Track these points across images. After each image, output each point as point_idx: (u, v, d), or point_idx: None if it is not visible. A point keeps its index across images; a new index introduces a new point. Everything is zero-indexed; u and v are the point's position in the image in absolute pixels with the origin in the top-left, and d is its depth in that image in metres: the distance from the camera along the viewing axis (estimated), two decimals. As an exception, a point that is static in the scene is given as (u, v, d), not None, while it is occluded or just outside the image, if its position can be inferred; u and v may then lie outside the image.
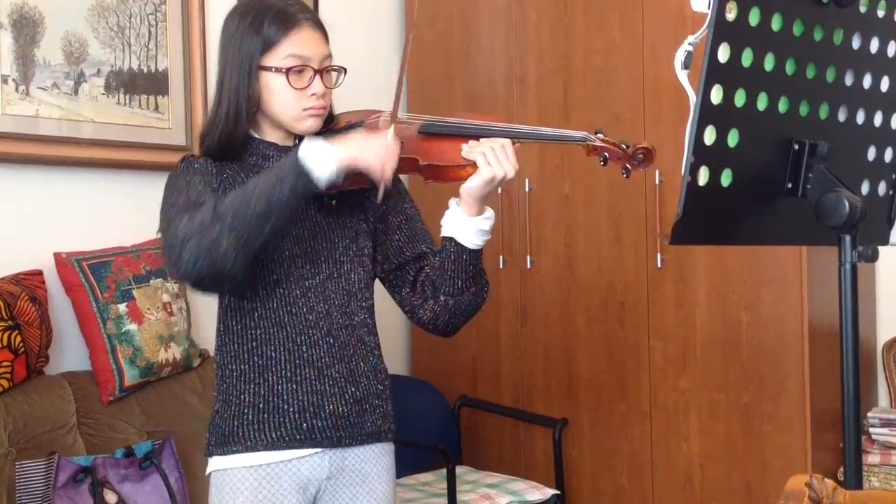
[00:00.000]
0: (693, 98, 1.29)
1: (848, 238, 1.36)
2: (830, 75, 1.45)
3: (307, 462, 1.79)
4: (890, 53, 1.54)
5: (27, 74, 2.79)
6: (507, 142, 1.74)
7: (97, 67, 2.95)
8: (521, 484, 3.25)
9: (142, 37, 3.06)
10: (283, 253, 1.78)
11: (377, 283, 1.92)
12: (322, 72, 1.78)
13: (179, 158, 1.83)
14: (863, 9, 1.46)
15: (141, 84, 3.06)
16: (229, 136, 1.78)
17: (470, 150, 1.74)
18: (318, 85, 1.78)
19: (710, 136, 1.31)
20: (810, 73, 1.42)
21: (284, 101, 1.77)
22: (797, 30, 1.38)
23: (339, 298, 1.81)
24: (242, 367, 1.78)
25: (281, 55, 1.75)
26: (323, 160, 1.63)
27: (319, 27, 1.82)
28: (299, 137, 1.79)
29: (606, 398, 3.30)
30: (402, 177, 1.98)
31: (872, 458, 2.94)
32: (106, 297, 2.72)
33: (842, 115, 1.49)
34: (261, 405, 1.76)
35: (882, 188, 1.59)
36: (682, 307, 3.11)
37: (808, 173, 1.40)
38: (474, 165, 1.73)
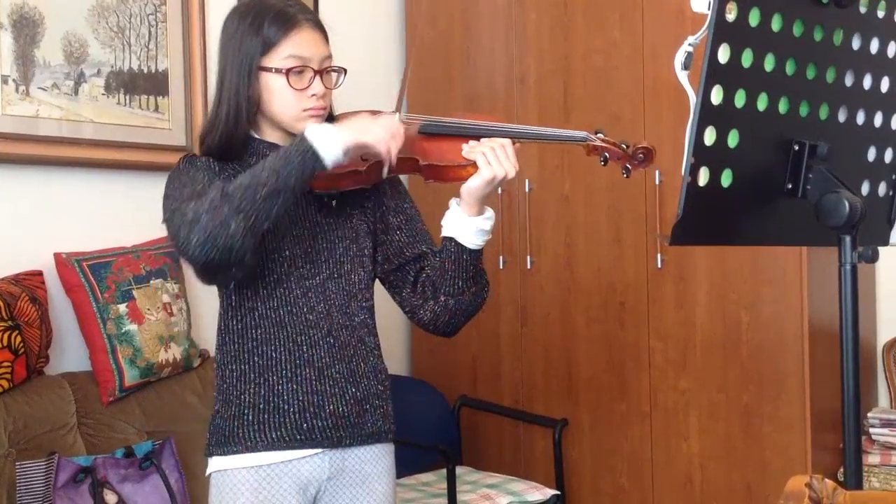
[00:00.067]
0: (693, 99, 1.29)
1: (848, 239, 1.36)
2: (830, 76, 1.45)
3: (307, 462, 1.79)
4: (890, 54, 1.54)
5: (27, 75, 2.79)
6: (507, 142, 1.74)
7: (97, 68, 2.95)
8: (521, 484, 3.25)
9: (142, 37, 3.06)
10: (284, 252, 1.78)
11: (377, 283, 1.92)
12: (322, 72, 1.79)
13: (180, 158, 1.83)
14: (863, 9, 1.46)
15: (141, 84, 3.06)
16: (229, 136, 1.78)
17: (470, 150, 1.75)
18: (318, 85, 1.78)
19: (710, 136, 1.31)
20: (810, 73, 1.42)
21: (284, 101, 1.77)
22: (797, 30, 1.38)
23: (340, 299, 1.81)
24: (243, 367, 1.78)
25: (281, 56, 1.76)
26: (329, 140, 1.64)
27: (319, 28, 1.82)
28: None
29: (606, 398, 3.30)
30: (403, 177, 1.98)
31: (872, 458, 2.94)
32: (106, 298, 2.72)
33: (842, 116, 1.49)
34: (261, 405, 1.76)
35: (882, 189, 1.59)
36: (682, 307, 3.11)
37: (808, 174, 1.41)
38: (475, 165, 1.73)
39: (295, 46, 1.76)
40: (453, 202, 1.79)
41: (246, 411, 1.77)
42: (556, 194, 3.42)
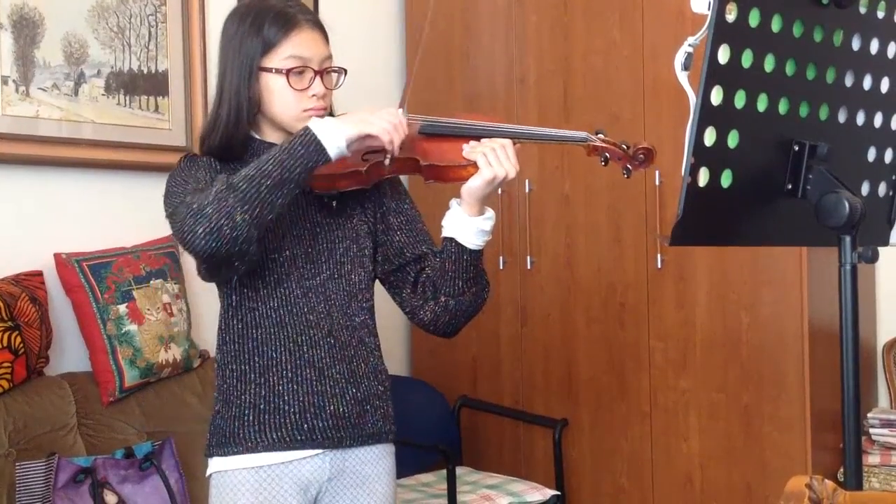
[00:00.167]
0: (693, 99, 1.29)
1: (848, 239, 1.36)
2: (830, 76, 1.45)
3: (308, 463, 1.79)
4: (890, 54, 1.54)
5: (27, 75, 2.79)
6: (507, 142, 1.74)
7: (97, 68, 2.95)
8: (521, 485, 3.25)
9: (142, 38, 3.06)
10: (284, 253, 1.78)
11: (377, 284, 1.92)
12: (322, 73, 1.79)
13: (181, 157, 1.83)
14: (863, 10, 1.46)
15: (141, 85, 3.06)
16: (230, 137, 1.79)
17: (471, 150, 1.75)
18: (318, 86, 1.78)
19: (710, 137, 1.31)
20: (810, 74, 1.42)
21: (285, 102, 1.77)
22: (797, 31, 1.38)
23: (340, 299, 1.81)
24: (243, 367, 1.78)
25: (281, 56, 1.76)
26: (333, 132, 1.64)
27: (319, 28, 1.82)
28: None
29: (606, 398, 3.30)
30: (403, 178, 1.98)
31: (872, 458, 2.94)
32: (106, 298, 2.72)
33: (842, 116, 1.49)
34: (262, 406, 1.76)
35: (882, 189, 1.59)
36: (682, 308, 3.11)
37: (808, 174, 1.41)
38: (475, 166, 1.73)
39: (295, 47, 1.76)
40: (453, 202, 1.79)
41: (246, 412, 1.77)
42: (556, 194, 3.42)
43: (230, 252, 1.59)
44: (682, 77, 1.32)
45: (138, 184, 3.00)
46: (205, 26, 3.19)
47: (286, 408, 1.76)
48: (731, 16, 1.28)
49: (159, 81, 3.11)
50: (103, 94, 2.96)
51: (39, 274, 2.69)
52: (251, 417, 1.76)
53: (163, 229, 2.76)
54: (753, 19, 1.31)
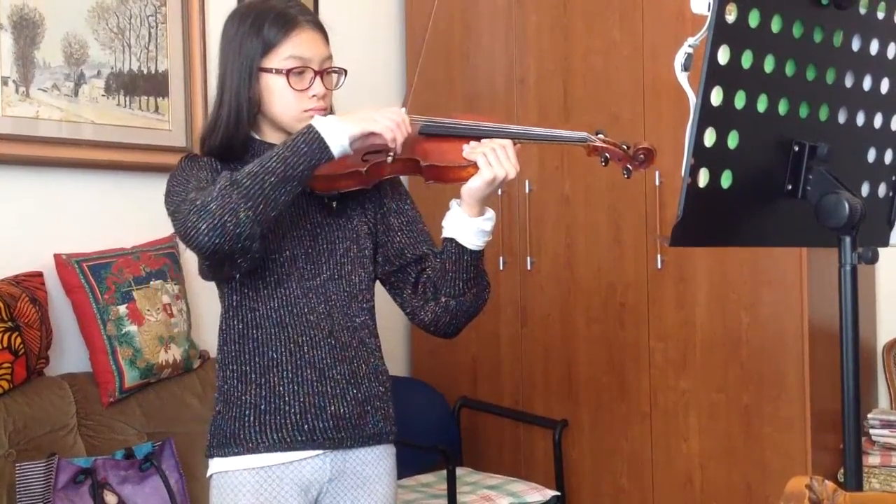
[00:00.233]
0: (693, 100, 1.29)
1: (848, 240, 1.36)
2: (830, 77, 1.45)
3: (309, 464, 1.79)
4: (890, 55, 1.54)
5: (27, 76, 2.79)
6: (507, 142, 1.74)
7: (97, 69, 2.95)
8: (521, 485, 3.25)
9: (142, 38, 3.06)
10: (284, 253, 1.78)
11: (377, 284, 1.92)
12: (322, 73, 1.79)
13: (181, 157, 1.83)
14: (863, 10, 1.46)
15: (141, 85, 3.06)
16: (230, 137, 1.79)
17: (471, 150, 1.75)
18: (318, 86, 1.78)
19: (710, 137, 1.31)
20: (810, 74, 1.42)
21: (285, 102, 1.77)
22: (797, 31, 1.38)
23: (341, 299, 1.81)
24: (244, 367, 1.78)
25: (281, 56, 1.76)
26: (336, 130, 1.65)
27: (320, 28, 1.82)
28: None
29: (606, 399, 3.30)
30: (403, 178, 1.98)
31: (873, 459, 2.94)
32: (106, 299, 2.72)
33: (842, 117, 1.49)
34: (262, 406, 1.76)
35: (882, 190, 1.59)
36: (682, 308, 3.11)
37: (808, 175, 1.41)
38: (475, 166, 1.73)
39: (295, 47, 1.76)
40: (454, 203, 1.79)
41: (247, 412, 1.77)
42: (556, 195, 3.42)
43: (233, 249, 1.59)
44: (682, 78, 1.32)
45: (138, 184, 3.00)
46: (205, 27, 3.19)
47: (287, 408, 1.76)
48: (730, 16, 1.28)
49: (159, 82, 3.11)
50: (103, 95, 2.96)
51: (39, 275, 2.69)
52: (252, 418, 1.76)
53: (163, 230, 2.79)
54: (753, 20, 1.31)
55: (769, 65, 1.35)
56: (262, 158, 1.64)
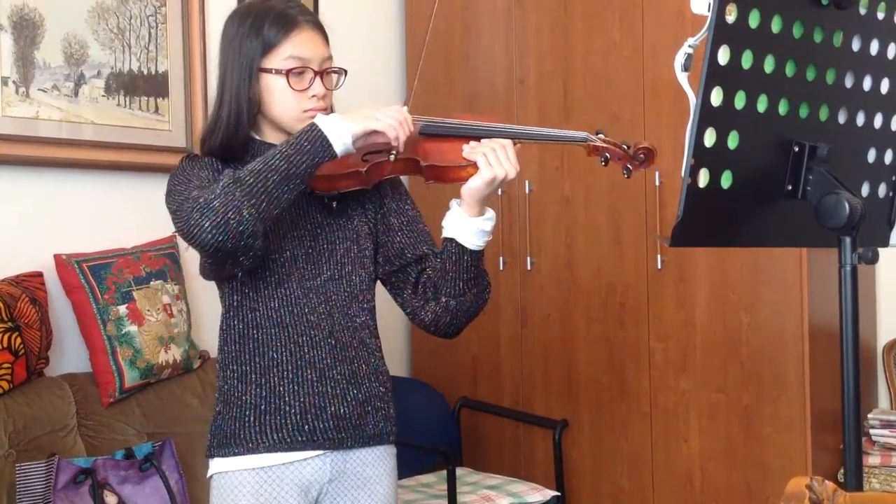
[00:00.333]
0: (693, 100, 1.29)
1: (848, 240, 1.36)
2: (830, 77, 1.45)
3: (309, 465, 1.79)
4: (890, 55, 1.54)
5: (27, 76, 2.79)
6: (507, 142, 1.74)
7: (97, 69, 2.95)
8: (521, 485, 3.25)
9: (142, 39, 3.06)
10: (284, 253, 1.78)
11: (377, 284, 1.92)
12: (322, 73, 1.79)
13: (182, 157, 1.83)
14: (863, 11, 1.46)
15: (141, 86, 3.06)
16: (230, 138, 1.79)
17: (471, 150, 1.75)
18: (318, 86, 1.78)
19: (710, 137, 1.31)
20: (810, 75, 1.42)
21: (285, 102, 1.77)
22: (797, 32, 1.38)
23: (341, 300, 1.81)
24: (244, 367, 1.78)
25: (281, 57, 1.76)
26: (338, 127, 1.65)
27: (319, 29, 1.82)
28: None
29: (606, 399, 3.30)
30: (403, 178, 1.98)
31: (873, 459, 2.94)
32: (106, 299, 2.72)
33: (842, 117, 1.49)
34: (262, 406, 1.76)
35: (882, 190, 1.59)
36: (682, 308, 3.11)
37: (808, 175, 1.41)
38: (475, 166, 1.73)
39: (295, 47, 1.76)
40: (454, 203, 1.79)
41: (247, 412, 1.77)
42: (556, 195, 3.42)
43: (236, 246, 1.60)
44: (682, 78, 1.32)
45: (138, 185, 3.00)
46: (205, 27, 3.19)
47: (287, 409, 1.76)
48: (731, 17, 1.28)
49: (159, 82, 3.11)
50: (103, 95, 2.96)
51: (39, 275, 2.69)
52: (252, 418, 1.76)
53: (163, 230, 2.79)
54: (753, 20, 1.31)
55: (769, 65, 1.35)
56: (265, 156, 1.64)
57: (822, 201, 1.37)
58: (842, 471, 2.71)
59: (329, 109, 1.83)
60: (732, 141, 1.34)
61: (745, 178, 1.37)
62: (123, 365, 2.70)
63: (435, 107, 3.52)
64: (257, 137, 1.83)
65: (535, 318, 3.50)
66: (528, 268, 3.50)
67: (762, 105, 1.36)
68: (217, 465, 1.80)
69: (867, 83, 1.51)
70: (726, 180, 1.35)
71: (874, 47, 1.50)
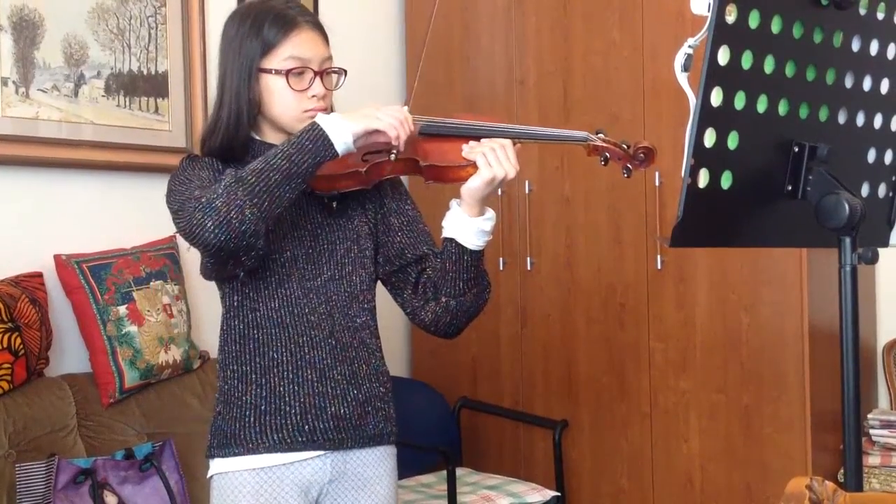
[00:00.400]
0: (693, 100, 1.29)
1: (848, 240, 1.36)
2: (830, 77, 1.45)
3: (309, 465, 1.79)
4: (890, 55, 1.54)
5: (27, 76, 2.79)
6: (507, 142, 1.74)
7: (97, 70, 2.95)
8: (521, 485, 3.25)
9: (142, 39, 3.06)
10: (285, 254, 1.78)
11: (377, 285, 1.92)
12: (322, 73, 1.79)
13: (182, 157, 1.83)
14: (862, 11, 1.46)
15: (141, 86, 3.06)
16: (231, 139, 1.79)
17: (470, 150, 1.75)
18: (318, 87, 1.78)
19: (710, 138, 1.31)
20: (810, 75, 1.42)
21: (285, 102, 1.77)
22: (797, 32, 1.38)
23: (341, 300, 1.81)
24: (244, 368, 1.78)
25: (281, 57, 1.76)
26: (339, 126, 1.65)
27: (319, 29, 1.82)
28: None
29: (606, 399, 3.30)
30: (403, 178, 1.98)
31: (873, 459, 2.94)
32: (106, 299, 2.72)
33: (842, 118, 1.49)
34: (262, 406, 1.76)
35: (882, 190, 1.59)
36: (682, 308, 3.11)
37: (808, 175, 1.41)
38: (475, 166, 1.73)
39: (295, 47, 1.76)
40: (454, 203, 1.79)
41: (247, 412, 1.77)
42: (556, 195, 3.42)
43: (238, 246, 1.60)
44: (682, 78, 1.32)
45: (138, 185, 3.00)
46: (205, 27, 3.19)
47: (287, 409, 1.76)
48: (731, 17, 1.28)
49: (159, 83, 3.11)
50: (103, 96, 2.96)
51: (39, 275, 2.69)
52: (252, 418, 1.76)
53: (163, 230, 2.80)
54: (753, 20, 1.31)
55: (769, 65, 1.35)
56: (266, 156, 1.64)
57: (821, 201, 1.37)
58: (842, 471, 2.71)
59: (329, 109, 1.83)
60: (732, 141, 1.34)
61: (745, 179, 1.37)
62: (123, 365, 2.70)
63: (435, 107, 3.51)
64: (257, 138, 1.83)
65: (534, 318, 3.50)
66: (528, 268, 3.50)
67: (762, 105, 1.36)
68: (217, 465, 1.80)
69: (867, 83, 1.51)
70: (726, 180, 1.35)
71: (874, 47, 1.51)
